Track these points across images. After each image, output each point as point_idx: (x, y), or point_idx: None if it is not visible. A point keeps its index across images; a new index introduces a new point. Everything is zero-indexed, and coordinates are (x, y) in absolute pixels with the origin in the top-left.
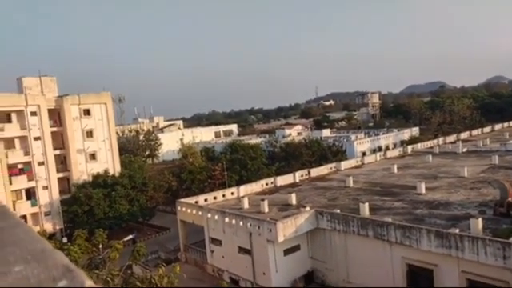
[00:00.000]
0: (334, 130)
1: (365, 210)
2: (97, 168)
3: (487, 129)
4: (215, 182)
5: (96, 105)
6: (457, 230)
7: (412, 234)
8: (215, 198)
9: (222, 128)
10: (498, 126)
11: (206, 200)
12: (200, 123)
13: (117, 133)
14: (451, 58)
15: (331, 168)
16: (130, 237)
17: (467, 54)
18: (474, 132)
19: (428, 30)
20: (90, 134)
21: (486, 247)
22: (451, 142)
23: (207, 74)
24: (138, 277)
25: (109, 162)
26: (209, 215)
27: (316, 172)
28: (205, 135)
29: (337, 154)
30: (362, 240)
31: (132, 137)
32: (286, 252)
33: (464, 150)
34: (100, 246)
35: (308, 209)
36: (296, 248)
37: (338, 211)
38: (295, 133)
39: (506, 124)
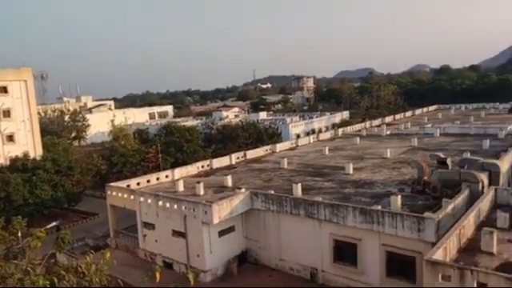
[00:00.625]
0: (271, 112)
1: (297, 190)
2: (15, 151)
3: (409, 113)
4: (149, 165)
5: (15, 82)
6: (379, 207)
7: (339, 211)
8: (148, 181)
9: (156, 109)
10: (418, 111)
11: (138, 184)
12: (133, 104)
13: (39, 113)
14: (380, 46)
15: (267, 150)
16: (54, 224)
17: (394, 42)
18: (398, 116)
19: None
20: (7, 113)
21: (403, 222)
22: (377, 126)
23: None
24: (62, 265)
25: (29, 145)
26: (141, 199)
27: (252, 154)
28: (138, 117)
29: (272, 136)
30: (294, 219)
31: (56, 117)
32: (221, 233)
33: (388, 132)
34: (19, 235)
35: (243, 190)
36: (231, 229)
37: (272, 192)
38: (232, 115)
39: (425, 109)
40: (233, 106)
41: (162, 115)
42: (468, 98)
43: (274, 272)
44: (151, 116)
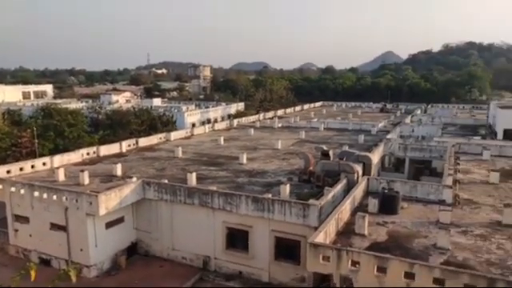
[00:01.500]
0: (166, 99)
1: (192, 179)
2: None
3: (298, 108)
4: (21, 150)
5: None
6: (269, 195)
7: (233, 200)
8: (21, 169)
9: (32, 88)
10: (306, 106)
11: (8, 172)
12: (3, 80)
13: None
14: (274, 42)
15: (161, 138)
16: None
17: (287, 40)
18: (288, 110)
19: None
20: None
21: (291, 208)
22: (270, 118)
23: (13, 21)
24: None
25: None
26: (12, 189)
27: (145, 142)
28: (9, 95)
29: (167, 124)
30: (187, 208)
31: None
32: (108, 225)
33: (279, 125)
34: None
35: (135, 179)
36: (120, 220)
37: (166, 181)
38: (123, 100)
39: (312, 105)
40: (124, 91)
41: (40, 95)
42: (348, 96)
43: (165, 262)
44: (25, 95)
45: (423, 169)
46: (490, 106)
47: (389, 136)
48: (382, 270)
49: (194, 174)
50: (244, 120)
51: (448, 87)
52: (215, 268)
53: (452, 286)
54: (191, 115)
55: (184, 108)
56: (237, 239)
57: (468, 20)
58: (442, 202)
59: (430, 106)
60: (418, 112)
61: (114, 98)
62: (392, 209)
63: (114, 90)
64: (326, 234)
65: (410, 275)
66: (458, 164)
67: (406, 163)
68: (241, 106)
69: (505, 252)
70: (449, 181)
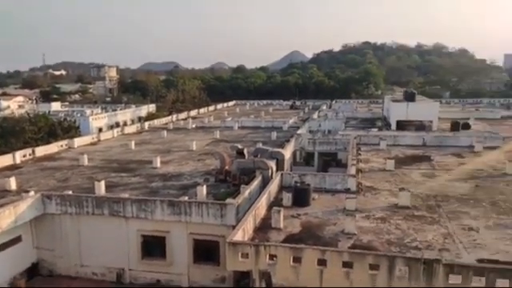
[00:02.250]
0: (67, 103)
1: (100, 188)
2: None
3: (212, 108)
4: None
5: None
6: (186, 198)
7: (147, 206)
8: None
9: None
10: (219, 106)
11: None
12: None
13: None
14: (184, 42)
15: (62, 146)
16: None
17: (197, 40)
18: (202, 110)
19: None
20: None
21: (208, 210)
22: (183, 119)
23: None
24: None
25: None
26: None
27: (43, 151)
28: None
29: (69, 130)
30: (97, 220)
31: None
32: (2, 247)
33: (193, 126)
34: None
35: (32, 193)
36: (16, 240)
37: (70, 192)
38: (15, 105)
39: (225, 104)
40: (16, 95)
41: None
42: (259, 95)
43: (74, 281)
44: None
45: (330, 161)
46: (385, 100)
47: (299, 131)
48: (297, 260)
49: (103, 182)
50: (156, 122)
51: (348, 84)
52: (130, 280)
53: (359, 267)
54: (97, 119)
55: (88, 112)
56: (153, 247)
57: (363, 21)
58: (347, 191)
59: (334, 102)
60: (324, 108)
61: (4, 103)
62: (304, 201)
63: (4, 94)
64: (243, 232)
65: (322, 262)
66: (360, 154)
67: (316, 156)
68: (152, 107)
69: (402, 231)
70: (352, 170)
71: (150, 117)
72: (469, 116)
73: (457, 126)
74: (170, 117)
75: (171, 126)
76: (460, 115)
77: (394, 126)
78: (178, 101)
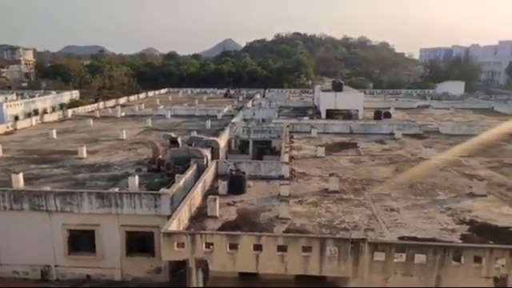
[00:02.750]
0: None
1: (18, 180)
2: None
3: (143, 95)
4: None
5: None
6: (116, 189)
7: (73, 199)
8: None
9: None
10: (151, 93)
11: None
12: None
13: None
14: (111, 25)
15: None
16: None
17: (124, 24)
18: (132, 98)
19: None
20: None
21: (141, 200)
22: (111, 107)
23: None
24: None
25: None
26: None
27: None
28: None
29: None
30: (15, 215)
31: None
32: None
33: (123, 114)
34: None
35: None
36: None
37: None
38: None
39: (157, 92)
40: None
41: None
42: (193, 82)
43: None
44: None
45: (265, 149)
46: (315, 89)
47: (233, 120)
48: (233, 246)
49: (21, 175)
50: (81, 110)
51: (281, 73)
52: (57, 276)
53: (293, 250)
54: (12, 106)
55: (1, 98)
56: (81, 241)
57: (294, 12)
58: (281, 178)
59: (267, 91)
60: (258, 96)
61: None
62: (240, 188)
63: None
64: (179, 221)
65: (258, 247)
66: (293, 142)
67: (250, 145)
68: (75, 94)
69: (332, 214)
70: (286, 158)
71: (74, 104)
72: (389, 106)
73: (379, 114)
74: (96, 104)
75: (98, 114)
76: (382, 105)
77: (323, 115)
78: (104, 87)
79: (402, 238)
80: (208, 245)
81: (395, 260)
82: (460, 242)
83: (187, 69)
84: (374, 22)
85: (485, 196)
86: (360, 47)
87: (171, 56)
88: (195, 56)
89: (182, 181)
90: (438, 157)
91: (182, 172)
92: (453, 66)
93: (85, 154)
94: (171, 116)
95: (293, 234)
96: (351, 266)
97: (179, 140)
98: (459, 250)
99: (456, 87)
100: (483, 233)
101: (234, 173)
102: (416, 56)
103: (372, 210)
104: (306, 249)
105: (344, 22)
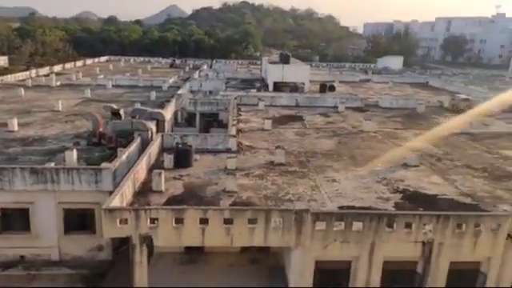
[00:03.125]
0: None
1: None
2: None
3: (80, 63)
4: None
5: None
6: (52, 164)
7: (3, 175)
8: None
9: None
10: (89, 61)
11: None
12: None
13: None
14: None
15: None
16: None
17: None
18: (68, 65)
19: None
20: None
21: (80, 176)
22: (45, 75)
23: None
24: None
25: None
26: None
27: None
28: None
29: None
30: None
31: None
32: None
33: (58, 83)
34: None
35: None
36: None
37: None
38: None
39: (96, 59)
40: None
41: None
42: (135, 51)
43: None
44: None
45: (212, 121)
46: (263, 61)
47: (180, 92)
48: (179, 221)
49: None
50: (10, 78)
51: (228, 44)
52: None
53: (239, 222)
54: None
55: None
56: (14, 220)
57: None
58: (228, 151)
59: (214, 62)
60: (205, 67)
61: None
62: (186, 162)
63: None
64: (122, 197)
65: (204, 221)
66: (240, 115)
67: (197, 117)
68: (3, 60)
69: (277, 186)
70: (233, 131)
71: (2, 72)
72: (334, 79)
73: (324, 88)
74: (27, 72)
75: (30, 83)
76: (327, 78)
77: (271, 87)
78: (37, 53)
79: (341, 208)
80: (153, 220)
81: (335, 228)
82: (393, 209)
83: (129, 36)
84: None
85: (417, 166)
86: (307, 19)
87: (111, 21)
88: (137, 22)
89: (124, 155)
90: (376, 129)
91: (125, 146)
92: (393, 41)
93: (16, 127)
94: (112, 86)
95: (239, 207)
96: (294, 235)
97: (121, 112)
98: (392, 217)
99: (395, 62)
100: (414, 200)
101: (180, 146)
102: (360, 30)
103: (315, 181)
104: (252, 221)
105: None
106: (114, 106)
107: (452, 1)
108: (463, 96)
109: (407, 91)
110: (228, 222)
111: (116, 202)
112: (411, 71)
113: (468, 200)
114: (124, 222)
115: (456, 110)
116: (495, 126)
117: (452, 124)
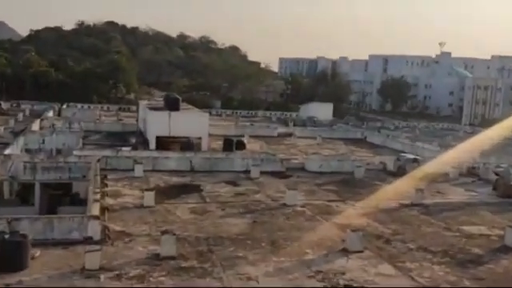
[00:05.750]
0: None
1: None
2: None
3: None
4: None
5: None
6: None
7: None
8: None
9: None
10: None
11: None
12: None
13: None
14: None
15: None
16: None
17: None
18: None
19: None
20: None
21: None
22: None
23: None
24: None
25: None
26: None
27: None
28: None
29: None
30: None
31: None
32: None
33: None
34: None
35: None
36: None
37: None
38: None
39: None
40: None
41: None
42: None
43: None
44: None
45: (61, 196)
46: (140, 107)
47: (7, 151)
48: None
49: None
50: None
51: (88, 80)
52: None
53: None
54: None
55: None
56: None
57: None
58: (88, 240)
59: (65, 107)
60: (50, 114)
61: None
62: (17, 262)
63: None
64: None
65: None
66: (106, 185)
67: (37, 190)
68: None
69: None
70: (95, 209)
71: None
72: (243, 132)
73: (230, 145)
74: None
75: None
76: (233, 131)
77: (153, 144)
78: None
79: None
80: None
81: None
82: None
83: None
84: (218, 20)
85: (360, 252)
86: (202, 50)
87: None
88: None
89: None
90: (304, 202)
91: None
92: (318, 83)
93: None
94: None
95: None
96: None
97: None
98: None
99: (323, 110)
100: None
101: (6, 237)
102: (275, 67)
103: (222, 281)
104: None
105: (182, 17)
106: None
107: (385, 34)
108: (410, 156)
109: (341, 149)
110: None
111: None
112: (344, 123)
113: None
114: None
115: (403, 173)
116: (452, 195)
117: (399, 192)
